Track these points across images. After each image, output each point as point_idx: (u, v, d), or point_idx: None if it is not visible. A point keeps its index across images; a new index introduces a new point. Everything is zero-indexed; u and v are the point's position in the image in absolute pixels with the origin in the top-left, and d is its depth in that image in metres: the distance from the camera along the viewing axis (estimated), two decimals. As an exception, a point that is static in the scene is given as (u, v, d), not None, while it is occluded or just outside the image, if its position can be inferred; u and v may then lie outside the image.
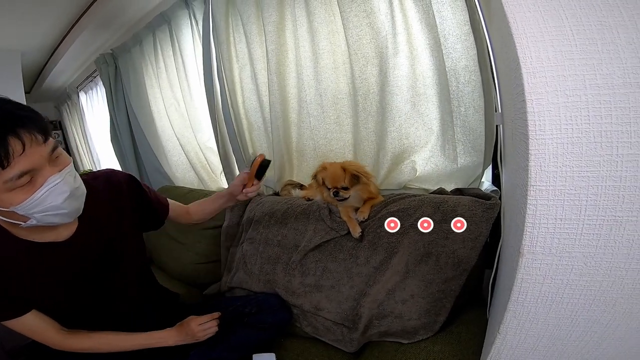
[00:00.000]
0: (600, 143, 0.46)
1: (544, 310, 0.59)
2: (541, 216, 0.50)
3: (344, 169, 1.18)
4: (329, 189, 1.21)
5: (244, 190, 1.15)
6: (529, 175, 0.50)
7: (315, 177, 1.27)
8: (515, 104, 0.57)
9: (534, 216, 0.51)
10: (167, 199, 1.22)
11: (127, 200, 1.06)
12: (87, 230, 0.94)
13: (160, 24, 2.04)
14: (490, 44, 1.00)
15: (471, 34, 1.06)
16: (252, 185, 1.13)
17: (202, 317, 1.10)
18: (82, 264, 0.94)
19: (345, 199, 1.19)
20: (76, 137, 3.86)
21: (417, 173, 1.29)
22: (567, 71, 0.46)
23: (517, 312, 0.61)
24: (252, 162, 1.10)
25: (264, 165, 1.10)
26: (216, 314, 1.14)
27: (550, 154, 0.48)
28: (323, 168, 1.23)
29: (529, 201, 0.50)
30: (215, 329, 1.10)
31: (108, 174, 1.06)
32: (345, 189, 1.18)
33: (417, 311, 1.03)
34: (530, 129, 0.48)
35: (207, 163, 2.07)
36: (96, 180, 1.01)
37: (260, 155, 1.10)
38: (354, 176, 1.17)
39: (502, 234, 1.03)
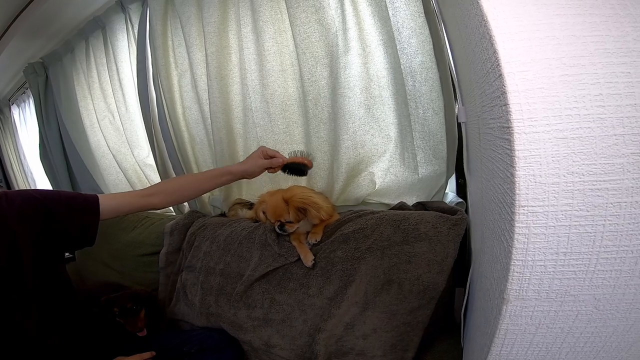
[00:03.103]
0: (622, 136, 0.31)
1: None
2: (535, 251, 0.35)
3: (286, 201, 1.00)
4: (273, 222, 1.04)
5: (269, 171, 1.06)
6: (517, 191, 0.34)
7: (256, 214, 1.11)
8: (486, 88, 0.42)
9: (524, 251, 0.36)
10: (99, 194, 0.97)
11: (18, 229, 0.84)
12: None
13: (94, 29, 1.85)
14: (445, 29, 0.89)
15: (426, 25, 0.96)
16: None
17: (131, 357, 0.94)
18: None
19: (292, 232, 1.03)
20: (9, 154, 3.47)
21: (376, 186, 1.15)
22: (560, 31, 0.32)
23: (499, 368, 0.46)
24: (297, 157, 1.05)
25: (301, 169, 1.03)
26: (146, 354, 0.97)
27: (548, 156, 0.33)
28: (262, 201, 1.07)
29: (517, 229, 0.35)
30: None
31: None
32: (291, 222, 1.01)
33: (381, 347, 0.90)
34: (514, 116, 0.33)
35: (148, 182, 1.84)
36: None
37: (309, 161, 1.05)
38: (300, 209, 1.00)
39: (472, 255, 0.91)
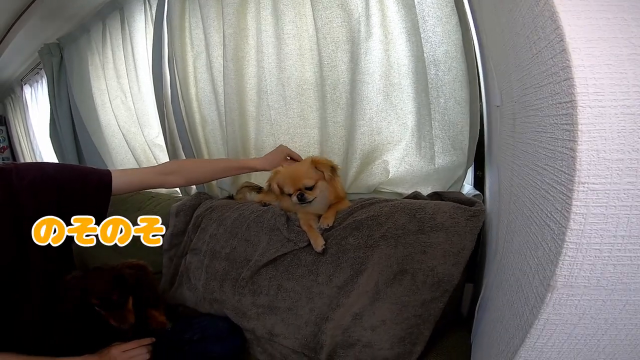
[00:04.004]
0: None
1: (570, 355, 0.43)
2: (592, 233, 0.33)
3: (315, 162, 1.03)
4: (290, 195, 1.02)
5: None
6: (577, 166, 0.32)
7: (269, 186, 1.08)
8: (533, 68, 0.41)
9: (580, 233, 0.33)
10: (112, 170, 0.96)
11: (28, 205, 0.83)
12: None
13: (112, 10, 1.85)
14: (474, 17, 0.86)
15: (454, 15, 0.92)
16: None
17: (128, 343, 0.92)
18: None
19: (311, 201, 1.00)
20: (19, 132, 3.52)
21: (390, 175, 1.13)
22: (629, 14, 0.31)
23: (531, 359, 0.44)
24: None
25: None
26: (146, 340, 0.95)
27: (613, 131, 0.31)
28: (276, 173, 1.05)
29: (574, 208, 0.33)
30: (145, 357, 0.93)
31: (3, 173, 0.82)
32: (310, 189, 0.99)
33: (389, 339, 0.86)
34: (578, 90, 0.32)
35: (156, 162, 1.84)
36: None
37: None
38: (332, 168, 1.03)
39: (486, 247, 0.88)
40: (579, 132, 0.33)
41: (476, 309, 0.86)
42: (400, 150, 1.10)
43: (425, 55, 0.99)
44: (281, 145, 1.13)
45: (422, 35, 0.98)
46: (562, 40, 0.33)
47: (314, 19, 1.11)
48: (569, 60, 0.33)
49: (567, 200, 0.34)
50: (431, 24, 0.98)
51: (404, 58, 1.04)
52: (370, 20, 1.04)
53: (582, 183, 0.33)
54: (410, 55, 1.02)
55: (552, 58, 0.36)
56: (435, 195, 1.00)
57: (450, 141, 1.01)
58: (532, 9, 0.40)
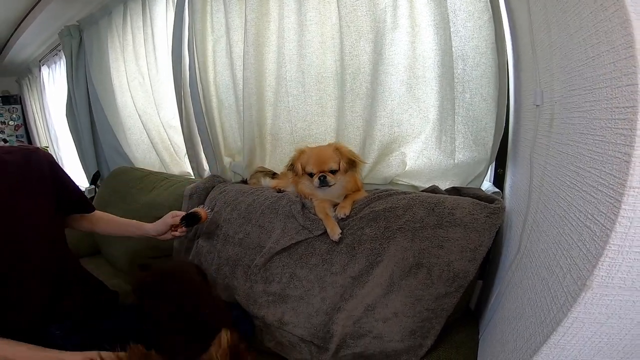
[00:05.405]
0: None
1: (591, 353, 0.43)
2: (635, 237, 0.34)
3: (338, 150, 1.03)
4: (311, 175, 1.01)
5: (172, 233, 1.13)
6: (631, 171, 0.33)
7: (292, 166, 1.08)
8: (585, 71, 0.43)
9: (624, 236, 0.35)
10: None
11: (48, 185, 0.90)
12: None
13: (134, -8, 1.84)
14: (511, 16, 0.84)
15: (487, 10, 0.90)
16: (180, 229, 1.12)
17: None
18: None
19: (331, 186, 1.01)
20: (34, 111, 3.57)
21: (406, 167, 1.12)
22: None
23: (552, 357, 0.44)
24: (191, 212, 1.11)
25: (197, 217, 1.10)
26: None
27: None
28: (301, 152, 1.05)
29: (622, 212, 0.34)
30: None
31: (28, 152, 0.89)
32: (333, 172, 1.00)
33: (400, 332, 0.86)
34: None
35: (171, 143, 1.86)
36: (10, 155, 0.86)
37: (203, 209, 1.13)
38: (350, 161, 1.02)
39: (501, 245, 0.87)
40: (636, 138, 0.33)
41: (488, 305, 0.86)
42: (420, 143, 1.09)
43: (453, 49, 0.97)
44: (168, 215, 1.13)
45: (451, 29, 0.96)
46: (630, 46, 0.34)
47: (337, 6, 1.10)
48: (635, 67, 0.33)
49: (614, 203, 0.35)
50: (462, 18, 0.96)
51: (430, 51, 1.02)
52: (397, 11, 1.03)
53: (634, 188, 0.34)
54: (437, 48, 1.00)
55: (613, 63, 0.37)
56: (454, 190, 0.99)
57: (473, 137, 0.99)
58: (596, 14, 0.41)
